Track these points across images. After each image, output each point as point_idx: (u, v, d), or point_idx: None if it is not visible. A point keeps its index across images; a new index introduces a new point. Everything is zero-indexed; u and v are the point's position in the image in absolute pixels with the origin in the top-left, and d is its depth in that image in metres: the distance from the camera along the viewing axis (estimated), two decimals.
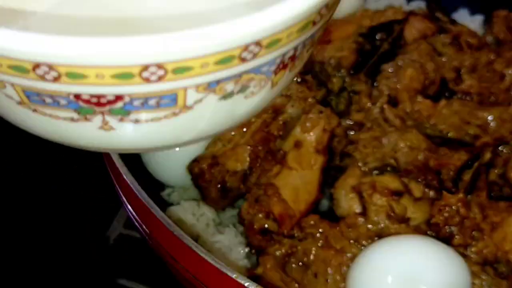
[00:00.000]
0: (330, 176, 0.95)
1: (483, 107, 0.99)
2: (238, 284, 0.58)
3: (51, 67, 0.32)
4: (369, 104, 0.99)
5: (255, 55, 0.36)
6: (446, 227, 0.78)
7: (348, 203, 0.84)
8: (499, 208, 0.85)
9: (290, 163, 0.87)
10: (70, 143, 0.42)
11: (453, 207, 0.77)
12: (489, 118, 0.95)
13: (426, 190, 0.81)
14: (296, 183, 0.85)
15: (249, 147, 0.84)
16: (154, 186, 0.92)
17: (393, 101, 1.02)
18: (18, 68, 0.32)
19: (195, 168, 0.84)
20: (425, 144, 0.87)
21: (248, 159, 0.84)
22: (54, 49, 0.31)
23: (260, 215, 0.78)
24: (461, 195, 0.77)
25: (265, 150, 0.85)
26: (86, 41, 0.31)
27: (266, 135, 0.86)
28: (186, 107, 0.37)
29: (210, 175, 0.83)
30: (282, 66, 0.40)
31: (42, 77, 0.33)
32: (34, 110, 0.36)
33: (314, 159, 0.88)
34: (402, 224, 0.79)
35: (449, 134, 0.92)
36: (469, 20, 1.20)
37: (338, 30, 1.12)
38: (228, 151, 0.85)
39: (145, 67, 0.33)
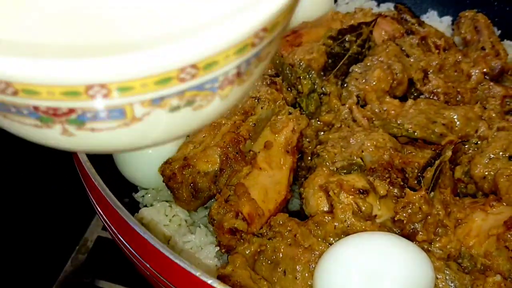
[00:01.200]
0: (299, 175, 0.98)
1: (449, 106, 1.02)
2: (202, 282, 0.60)
3: (8, 84, 0.36)
4: (338, 105, 1.02)
5: (193, 76, 0.38)
6: (410, 223, 0.80)
7: (316, 201, 0.85)
8: (464, 205, 0.88)
9: (260, 163, 0.89)
10: (41, 143, 0.45)
11: (416, 204, 0.79)
12: (455, 117, 0.98)
13: (391, 188, 0.83)
14: (266, 183, 0.87)
15: (219, 148, 0.86)
16: (128, 188, 0.94)
17: (362, 102, 1.04)
18: None
19: (166, 170, 0.86)
20: (391, 143, 0.89)
21: (218, 160, 0.86)
22: (8, 70, 0.35)
23: (230, 215, 0.80)
24: (423, 192, 0.79)
25: (235, 151, 0.87)
26: (36, 63, 0.35)
27: (236, 137, 0.87)
28: (136, 119, 0.39)
29: (182, 177, 0.85)
30: (228, 82, 0.41)
31: (3, 92, 0.37)
32: (5, 116, 0.40)
33: (283, 159, 0.90)
34: (367, 222, 0.81)
35: (415, 133, 0.94)
36: (438, 22, 1.23)
37: (308, 33, 1.14)
38: (199, 153, 0.87)
39: (90, 87, 0.36)
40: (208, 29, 0.37)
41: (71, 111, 0.38)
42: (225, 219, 0.80)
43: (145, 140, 0.45)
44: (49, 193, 1.22)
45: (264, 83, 0.94)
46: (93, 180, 0.66)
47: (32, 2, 0.42)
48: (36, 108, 0.38)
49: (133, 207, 0.91)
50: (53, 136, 0.41)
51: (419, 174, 0.84)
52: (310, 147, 0.98)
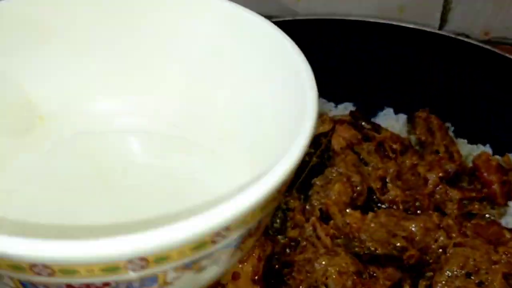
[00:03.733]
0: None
1: (408, 217, 1.05)
2: None
3: (46, 266, 0.37)
4: (303, 220, 1.05)
5: (224, 236, 0.42)
6: None
7: None
8: None
9: None
10: None
11: None
12: (414, 228, 1.01)
13: None
14: None
15: None
16: None
17: (325, 215, 1.07)
18: (17, 267, 0.37)
19: None
20: (353, 267, 0.92)
21: None
22: (49, 253, 0.36)
23: None
24: None
25: None
26: (77, 245, 0.36)
27: None
28: (166, 283, 0.43)
29: None
30: (249, 235, 0.45)
31: (38, 273, 0.38)
32: None
33: None
34: None
35: (377, 251, 0.97)
36: (394, 119, 1.27)
37: None
38: None
39: (130, 261, 0.38)
40: (245, 193, 0.41)
41: (105, 284, 0.40)
42: None
43: None
44: None
45: None
46: None
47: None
48: (69, 286, 0.39)
49: None
50: None
51: None
52: (277, 265, 1.00)
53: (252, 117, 0.65)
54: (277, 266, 1.00)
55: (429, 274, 0.96)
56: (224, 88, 0.67)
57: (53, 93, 0.67)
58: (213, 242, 0.42)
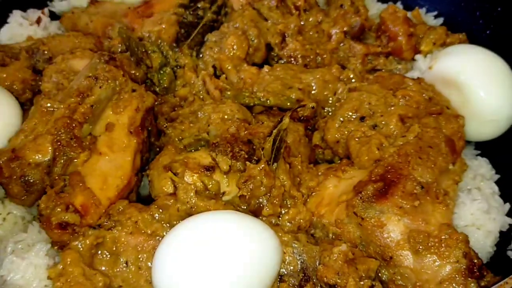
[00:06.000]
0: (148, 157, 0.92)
1: (307, 70, 0.97)
2: None
3: None
4: (194, 78, 0.96)
5: None
6: (255, 198, 0.76)
7: (160, 183, 0.80)
8: (317, 172, 0.84)
9: (100, 148, 0.83)
10: None
11: (257, 177, 0.74)
12: (312, 80, 0.93)
13: (234, 162, 0.78)
14: (106, 169, 0.81)
15: (50, 136, 0.79)
16: None
17: (219, 72, 0.98)
18: None
19: None
20: (240, 114, 0.84)
21: (50, 149, 0.78)
22: None
23: (59, 209, 0.74)
24: (262, 165, 0.74)
25: (69, 137, 0.80)
26: None
27: (70, 122, 0.80)
28: None
29: (9, 171, 0.77)
30: None
31: None
32: None
33: (126, 141, 0.84)
34: (211, 201, 0.76)
35: (268, 101, 0.90)
36: None
37: (160, 2, 1.06)
38: (29, 142, 0.79)
39: None
40: None
41: None
42: (54, 214, 0.73)
43: None
44: None
45: (102, 60, 0.87)
46: None
47: None
48: None
49: None
50: None
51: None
52: (163, 125, 0.92)
53: None
54: (164, 125, 0.92)
55: (323, 124, 0.89)
56: None
57: None
58: None
